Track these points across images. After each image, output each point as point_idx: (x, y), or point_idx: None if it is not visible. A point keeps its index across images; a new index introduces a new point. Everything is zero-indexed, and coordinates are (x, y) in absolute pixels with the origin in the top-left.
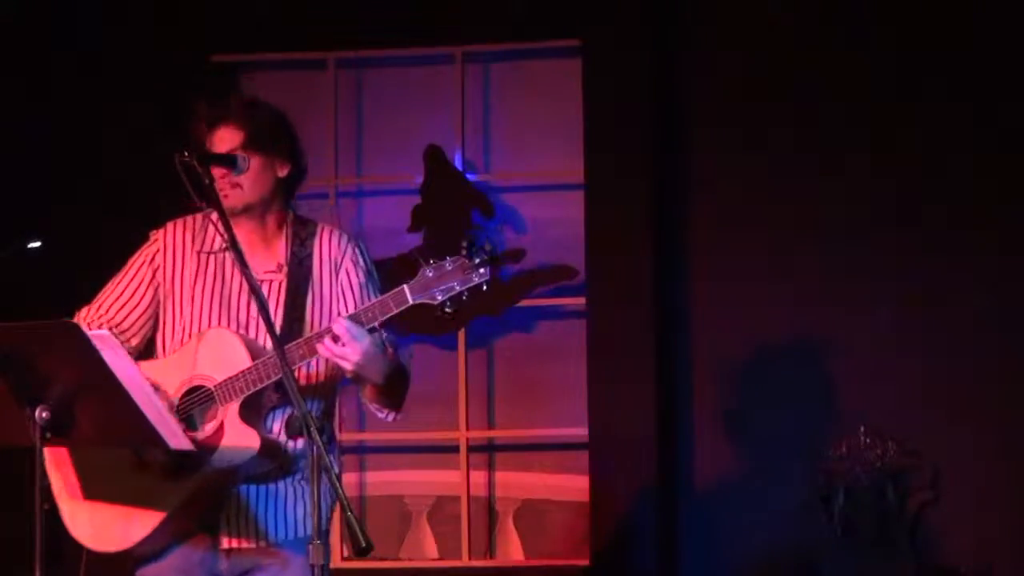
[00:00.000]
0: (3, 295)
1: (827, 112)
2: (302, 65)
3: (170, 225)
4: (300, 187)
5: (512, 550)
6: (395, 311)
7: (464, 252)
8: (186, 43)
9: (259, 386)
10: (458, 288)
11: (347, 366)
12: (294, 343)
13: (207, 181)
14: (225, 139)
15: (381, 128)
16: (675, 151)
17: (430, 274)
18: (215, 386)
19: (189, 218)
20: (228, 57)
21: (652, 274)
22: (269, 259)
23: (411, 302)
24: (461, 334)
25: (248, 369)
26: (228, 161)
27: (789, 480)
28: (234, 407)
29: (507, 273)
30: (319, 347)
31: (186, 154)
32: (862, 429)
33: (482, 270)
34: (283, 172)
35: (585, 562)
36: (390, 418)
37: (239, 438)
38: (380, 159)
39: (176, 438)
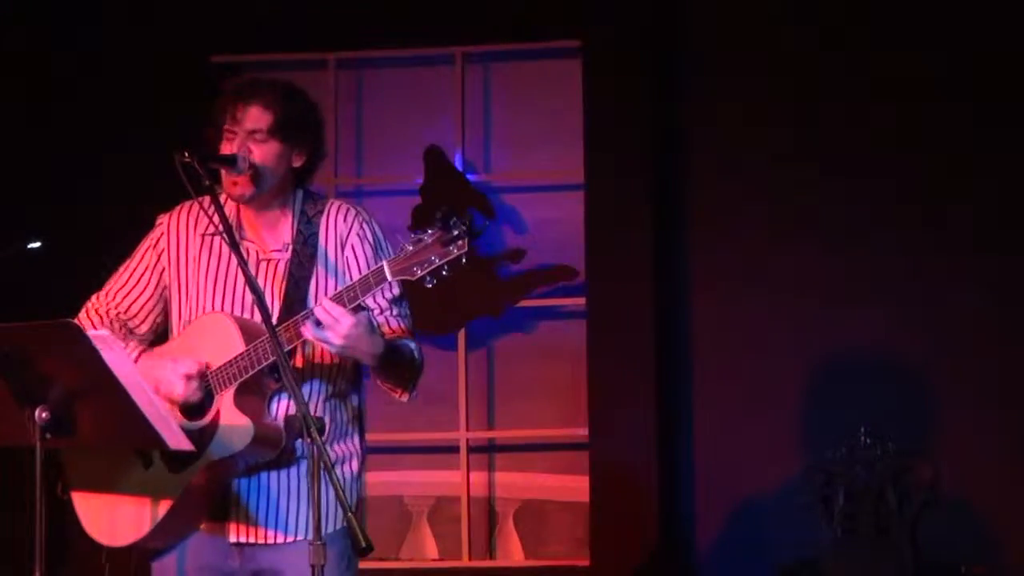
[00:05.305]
0: (3, 295)
1: (827, 112)
2: (302, 65)
3: (176, 209)
4: (312, 175)
5: (512, 550)
6: (375, 288)
7: (440, 224)
8: (186, 43)
9: (251, 372)
10: (437, 262)
11: (331, 348)
12: (281, 326)
13: (206, 182)
14: (253, 117)
15: (381, 128)
16: (675, 151)
17: (410, 248)
18: (210, 373)
19: (195, 201)
20: (228, 57)
21: (652, 275)
22: (276, 238)
23: (389, 279)
24: (461, 334)
25: (241, 354)
26: (228, 161)
27: (789, 480)
28: (229, 394)
29: (507, 273)
30: (302, 330)
31: (186, 154)
32: (862, 429)
33: (460, 242)
34: (298, 163)
35: (585, 562)
36: (404, 399)
37: (233, 426)
38: (380, 159)
39: (176, 438)
